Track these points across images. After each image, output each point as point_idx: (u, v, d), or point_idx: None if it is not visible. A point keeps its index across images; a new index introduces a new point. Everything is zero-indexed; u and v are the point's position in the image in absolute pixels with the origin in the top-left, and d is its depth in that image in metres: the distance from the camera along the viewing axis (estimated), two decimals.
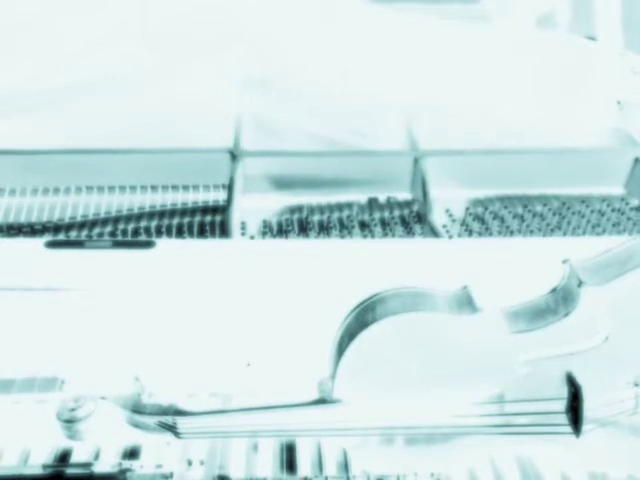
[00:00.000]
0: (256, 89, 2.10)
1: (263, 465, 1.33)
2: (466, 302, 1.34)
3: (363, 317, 1.33)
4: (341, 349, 1.33)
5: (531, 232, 1.83)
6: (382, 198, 1.94)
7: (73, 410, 1.35)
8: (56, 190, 1.92)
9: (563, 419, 1.34)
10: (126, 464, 1.31)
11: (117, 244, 1.54)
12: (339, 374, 1.33)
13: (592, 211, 1.89)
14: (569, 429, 1.34)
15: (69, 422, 1.34)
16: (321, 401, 1.36)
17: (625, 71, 2.15)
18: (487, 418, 1.35)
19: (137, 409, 1.36)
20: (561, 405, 1.34)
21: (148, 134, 1.94)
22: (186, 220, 1.85)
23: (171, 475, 1.29)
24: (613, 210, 1.90)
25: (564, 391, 1.34)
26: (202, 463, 1.32)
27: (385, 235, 1.82)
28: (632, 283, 1.30)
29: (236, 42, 2.08)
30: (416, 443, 1.35)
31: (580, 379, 1.32)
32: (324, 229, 1.83)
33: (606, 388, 1.33)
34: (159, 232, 1.80)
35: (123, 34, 2.06)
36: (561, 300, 1.35)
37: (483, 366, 1.33)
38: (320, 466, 1.33)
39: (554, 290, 1.37)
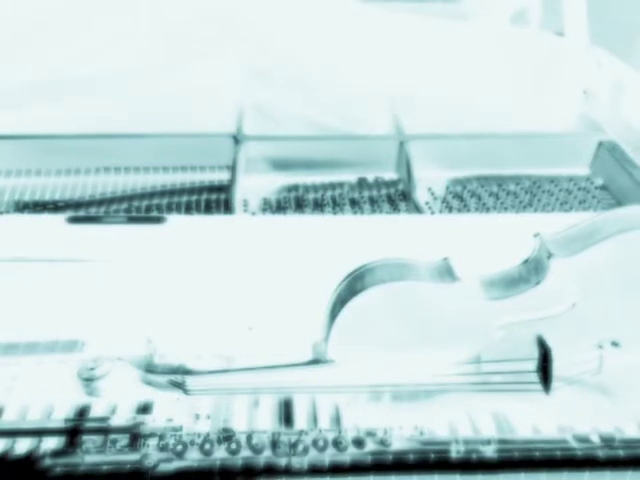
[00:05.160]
0: (256, 80, 2.10)
1: (263, 419, 1.31)
2: (446, 272, 1.33)
3: (353, 285, 1.31)
4: (334, 314, 1.32)
5: (505, 209, 1.82)
6: (370, 178, 1.94)
7: (92, 369, 1.33)
8: (77, 171, 1.92)
9: (534, 378, 1.33)
10: (139, 418, 1.30)
11: (131, 220, 1.54)
12: (332, 337, 1.32)
13: (560, 190, 1.89)
14: (540, 387, 1.33)
15: (88, 380, 1.33)
16: (316, 361, 1.35)
17: (590, 64, 2.15)
18: (465, 377, 1.34)
19: (150, 369, 1.35)
20: (532, 365, 1.33)
21: (159, 121, 1.95)
22: (194, 198, 1.84)
23: (180, 428, 1.28)
24: (579, 189, 1.90)
25: (535, 352, 1.33)
26: (208, 417, 1.31)
27: (373, 212, 1.81)
28: (596, 255, 1.29)
29: (238, 38, 2.07)
30: (401, 400, 1.34)
31: (550, 341, 1.30)
32: (318, 206, 1.82)
33: (573, 350, 1.32)
34: (169, 209, 1.80)
35: (136, 32, 2.05)
36: (532, 270, 1.34)
37: (462, 330, 1.32)
38: (315, 420, 1.31)
39: (526, 261, 1.36)
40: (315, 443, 1.26)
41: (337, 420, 1.31)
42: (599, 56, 2.15)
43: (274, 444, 1.26)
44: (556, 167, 1.96)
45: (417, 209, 1.81)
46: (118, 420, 1.30)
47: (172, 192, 1.86)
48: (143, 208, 1.80)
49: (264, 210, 1.81)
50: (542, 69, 2.14)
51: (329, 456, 1.25)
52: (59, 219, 1.49)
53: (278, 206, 1.83)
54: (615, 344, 1.34)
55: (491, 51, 2.15)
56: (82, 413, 1.32)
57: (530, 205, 1.84)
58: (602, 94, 2.11)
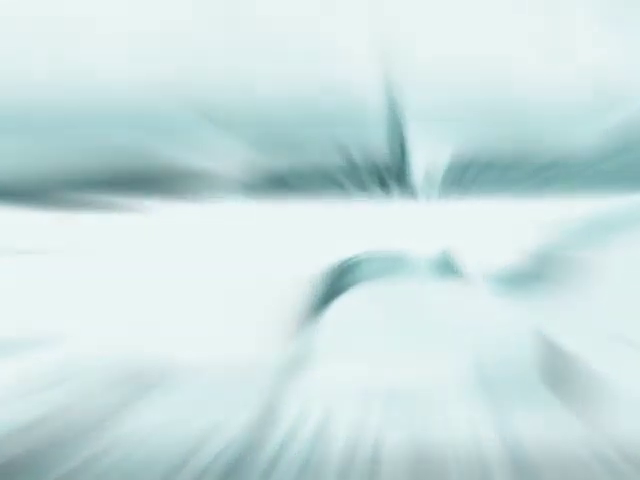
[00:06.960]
0: (238, 56, 2.07)
1: (251, 419, 1.30)
2: (445, 265, 1.32)
3: (340, 281, 1.32)
4: (322, 310, 1.32)
5: (509, 195, 1.77)
6: (362, 161, 1.87)
7: (78, 364, 1.36)
8: (58, 156, 1.86)
9: (539, 380, 1.29)
10: (127, 414, 1.31)
11: (112, 208, 1.55)
12: (320, 334, 1.31)
13: (570, 174, 1.83)
14: (544, 388, 1.29)
15: (75, 376, 1.35)
16: (302, 360, 1.33)
17: (599, 46, 2.12)
18: (467, 380, 1.30)
19: (134, 364, 1.36)
20: (536, 366, 1.29)
21: (142, 104, 1.91)
22: (174, 185, 1.80)
23: (167, 423, 1.30)
24: (587, 175, 1.83)
25: (540, 352, 1.29)
26: (195, 414, 1.32)
27: (365, 198, 1.75)
28: (610, 247, 1.30)
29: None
30: (397, 403, 1.30)
31: (557, 340, 1.28)
32: (305, 192, 1.77)
33: (581, 348, 1.28)
34: (151, 196, 1.76)
35: (130, 16, 2.03)
36: (538, 264, 1.33)
37: (463, 329, 1.30)
38: (303, 423, 1.30)
39: (531, 254, 1.36)
40: (302, 447, 1.25)
41: (327, 423, 1.29)
42: (610, 38, 2.13)
43: (258, 447, 1.25)
44: (562, 151, 1.90)
45: (412, 195, 1.74)
46: (104, 415, 1.31)
47: (153, 179, 1.83)
48: (123, 196, 1.76)
49: (248, 197, 1.76)
50: (549, 46, 2.11)
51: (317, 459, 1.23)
52: (34, 207, 1.51)
53: (262, 192, 1.78)
54: (627, 341, 1.31)
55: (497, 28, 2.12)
56: (69, 409, 1.32)
57: (536, 191, 1.78)
58: (611, 78, 2.09)
